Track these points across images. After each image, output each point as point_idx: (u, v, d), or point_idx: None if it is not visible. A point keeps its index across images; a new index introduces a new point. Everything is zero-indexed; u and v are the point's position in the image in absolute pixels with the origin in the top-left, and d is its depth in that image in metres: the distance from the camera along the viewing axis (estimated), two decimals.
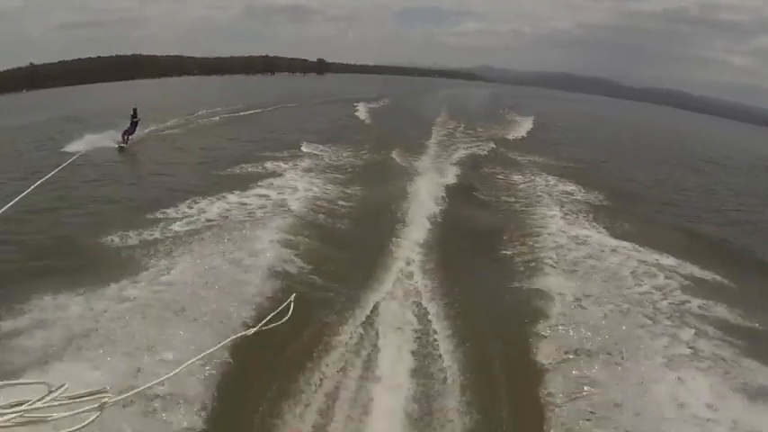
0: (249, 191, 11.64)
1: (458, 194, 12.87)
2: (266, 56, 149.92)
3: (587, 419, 4.70)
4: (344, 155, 17.49)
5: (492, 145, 21.22)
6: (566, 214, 11.35)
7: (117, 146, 17.87)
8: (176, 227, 9.03)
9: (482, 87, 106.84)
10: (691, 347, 5.91)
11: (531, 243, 9.36)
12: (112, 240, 8.36)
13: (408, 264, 8.20)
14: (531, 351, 5.87)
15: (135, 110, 18.71)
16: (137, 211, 10.01)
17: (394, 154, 17.57)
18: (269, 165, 14.64)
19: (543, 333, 6.19)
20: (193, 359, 1.82)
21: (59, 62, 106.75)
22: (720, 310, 7.03)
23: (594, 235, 9.95)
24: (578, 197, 13.33)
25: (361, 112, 32.03)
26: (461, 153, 19.13)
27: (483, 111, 41.93)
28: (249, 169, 14.18)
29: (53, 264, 7.63)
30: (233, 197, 11.07)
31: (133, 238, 8.46)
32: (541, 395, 5.10)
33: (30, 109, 35.69)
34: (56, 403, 1.33)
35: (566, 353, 5.74)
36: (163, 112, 22.53)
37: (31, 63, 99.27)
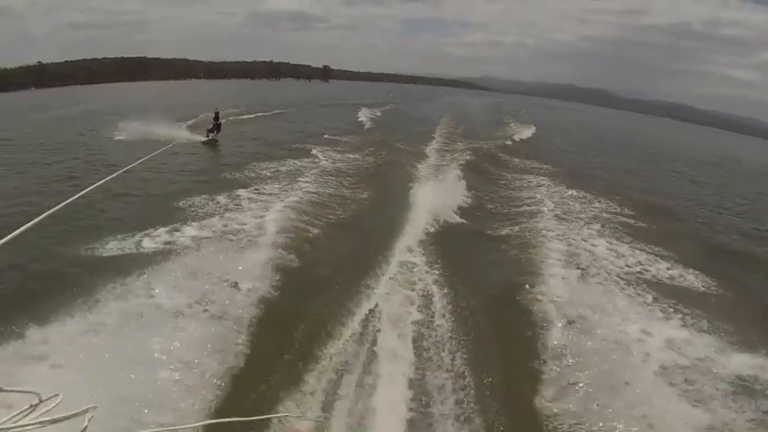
0: (299, 157, 16.71)
1: (459, 174, 16.51)
2: (271, 61, 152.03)
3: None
4: (357, 143, 21.54)
5: (491, 142, 25.49)
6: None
7: (206, 139, 19.76)
8: (265, 172, 14.18)
9: (485, 96, 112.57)
10: (598, 231, 10.90)
11: (526, 193, 14.59)
12: (227, 176, 13.66)
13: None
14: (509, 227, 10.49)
15: (217, 113, 20.25)
16: (237, 165, 15.14)
17: (400, 144, 21.29)
18: (306, 146, 19.34)
19: (533, 227, 10.78)
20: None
21: (66, 62, 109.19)
22: (624, 220, 12.07)
23: (563, 189, 15.23)
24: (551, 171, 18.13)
25: (368, 114, 35.59)
26: (462, 146, 23.04)
27: (485, 116, 46.18)
28: (295, 146, 19.27)
29: (203, 180, 13.21)
30: (291, 161, 16.02)
31: (240, 175, 13.83)
32: (538, 257, 9.00)
33: (66, 105, 37.03)
34: (45, 418, 1.32)
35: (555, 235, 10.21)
36: (192, 109, 26.38)
37: (39, 62, 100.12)
